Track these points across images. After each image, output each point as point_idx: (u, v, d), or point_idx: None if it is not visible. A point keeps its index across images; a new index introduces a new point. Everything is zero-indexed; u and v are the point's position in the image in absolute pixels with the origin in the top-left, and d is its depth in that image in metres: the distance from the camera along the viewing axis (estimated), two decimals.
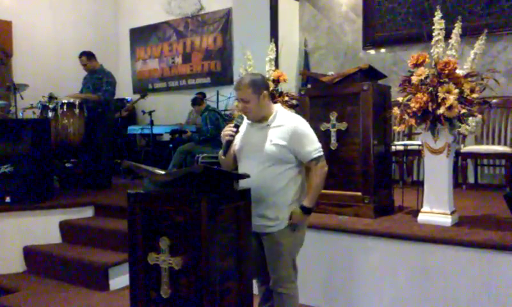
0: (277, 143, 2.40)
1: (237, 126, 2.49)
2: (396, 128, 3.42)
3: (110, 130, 5.70)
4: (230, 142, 2.49)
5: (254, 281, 2.57)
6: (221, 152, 2.55)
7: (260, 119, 2.49)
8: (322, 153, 2.49)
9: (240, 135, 2.53)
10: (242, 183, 2.44)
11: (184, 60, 7.94)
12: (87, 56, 5.61)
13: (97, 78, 5.56)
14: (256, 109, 2.44)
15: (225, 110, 6.57)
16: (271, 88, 4.09)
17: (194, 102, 6.25)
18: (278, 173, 2.42)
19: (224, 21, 7.35)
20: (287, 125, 2.43)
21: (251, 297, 2.39)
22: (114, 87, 5.65)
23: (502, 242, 2.80)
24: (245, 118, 2.54)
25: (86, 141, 5.54)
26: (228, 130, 2.48)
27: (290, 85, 5.83)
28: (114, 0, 8.56)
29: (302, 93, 3.94)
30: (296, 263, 2.57)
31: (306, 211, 2.48)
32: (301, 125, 2.47)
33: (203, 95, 6.81)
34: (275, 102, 4.00)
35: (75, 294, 3.69)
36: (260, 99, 2.42)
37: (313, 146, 2.45)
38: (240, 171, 2.51)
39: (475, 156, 5.02)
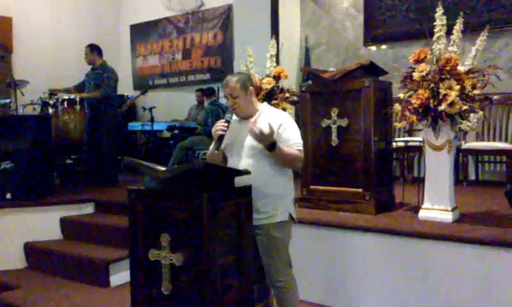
0: None
1: (228, 122, 2.54)
2: (397, 125, 3.42)
3: (113, 127, 5.68)
4: (222, 137, 2.53)
5: None
6: (212, 147, 2.59)
7: (247, 116, 2.54)
8: (302, 151, 2.53)
9: (227, 132, 2.56)
10: (235, 179, 2.43)
11: (184, 56, 7.92)
12: (90, 48, 5.61)
13: (98, 74, 5.55)
14: (244, 104, 2.52)
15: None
16: (271, 85, 4.10)
17: (207, 93, 6.20)
18: (267, 164, 2.45)
19: (225, 17, 7.32)
20: (273, 118, 2.48)
21: (252, 294, 2.39)
22: (114, 83, 5.63)
23: (503, 239, 2.79)
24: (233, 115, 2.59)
25: (88, 138, 5.54)
26: (219, 125, 2.54)
27: (291, 81, 5.83)
28: None
29: (303, 89, 3.94)
30: (289, 256, 2.57)
31: (268, 147, 2.38)
32: (288, 119, 2.55)
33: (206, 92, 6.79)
34: (275, 99, 4.07)
35: (75, 290, 3.70)
36: (247, 95, 2.52)
37: (297, 140, 2.51)
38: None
39: (476, 152, 5.01)
